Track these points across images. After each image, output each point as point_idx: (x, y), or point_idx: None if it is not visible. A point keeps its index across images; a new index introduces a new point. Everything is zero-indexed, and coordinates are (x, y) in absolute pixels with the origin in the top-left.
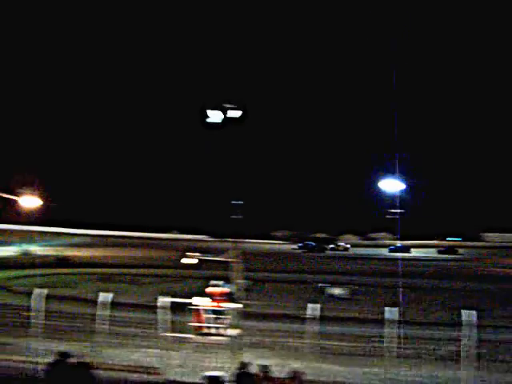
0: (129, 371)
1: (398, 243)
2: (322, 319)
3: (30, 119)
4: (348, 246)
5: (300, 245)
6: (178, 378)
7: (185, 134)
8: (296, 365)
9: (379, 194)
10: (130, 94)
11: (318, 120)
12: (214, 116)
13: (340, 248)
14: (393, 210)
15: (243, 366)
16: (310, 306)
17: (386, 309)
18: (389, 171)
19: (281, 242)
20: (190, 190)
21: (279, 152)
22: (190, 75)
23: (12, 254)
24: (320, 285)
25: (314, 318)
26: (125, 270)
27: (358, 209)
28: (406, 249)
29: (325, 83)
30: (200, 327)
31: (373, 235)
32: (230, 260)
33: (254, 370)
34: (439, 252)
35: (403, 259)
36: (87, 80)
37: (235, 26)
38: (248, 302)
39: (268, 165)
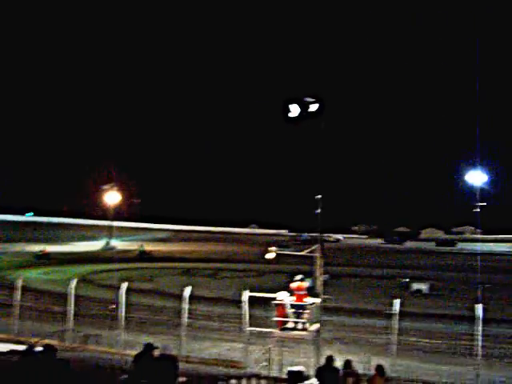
0: (212, 364)
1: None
2: (406, 315)
3: (114, 115)
4: (340, 237)
5: (387, 239)
6: (261, 372)
7: (266, 128)
8: (380, 361)
9: (463, 187)
10: (211, 90)
11: (401, 112)
12: (296, 110)
13: (331, 239)
14: (477, 204)
15: (326, 360)
16: (394, 301)
17: (477, 306)
18: (472, 164)
19: (361, 236)
20: (271, 185)
21: (361, 145)
22: (271, 68)
23: (97, 248)
24: (403, 280)
25: (397, 314)
26: (206, 265)
27: (441, 202)
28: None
29: (409, 75)
30: (282, 322)
31: (456, 229)
32: (310, 254)
33: (337, 365)
34: None
35: (482, 254)
36: (169, 76)
37: (316, 21)
38: (329, 296)
39: (349, 158)
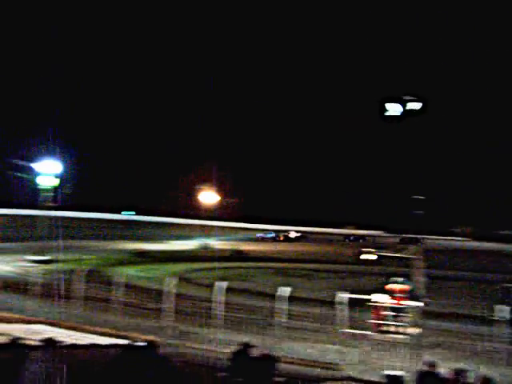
0: (307, 366)
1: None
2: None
3: (215, 115)
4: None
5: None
6: (357, 375)
7: (363, 127)
8: (487, 371)
9: None
10: (311, 89)
11: (503, 110)
12: (393, 109)
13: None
14: None
15: (429, 367)
16: (497, 307)
17: None
18: None
19: (461, 238)
20: (366, 185)
21: (462, 144)
22: (369, 67)
23: (192, 247)
24: (505, 285)
25: (501, 321)
26: (300, 265)
27: None
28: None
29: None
30: (379, 324)
31: None
32: (410, 256)
33: (441, 372)
34: None
35: None
36: (271, 73)
37: (412, 18)
38: (429, 300)
39: (449, 158)
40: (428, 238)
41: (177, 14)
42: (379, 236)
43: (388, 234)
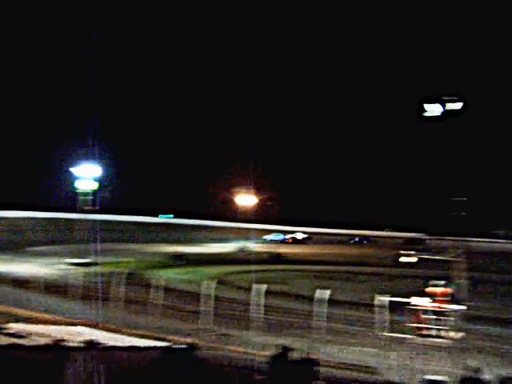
0: (346, 369)
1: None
2: None
3: (256, 118)
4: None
5: None
6: (397, 380)
7: (402, 128)
8: None
9: None
10: (346, 90)
11: None
12: (433, 109)
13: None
14: None
15: (473, 372)
16: None
17: None
18: None
19: (504, 240)
20: (407, 187)
21: (506, 144)
22: (408, 67)
23: (230, 250)
24: None
25: None
26: (340, 268)
27: None
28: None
29: None
30: (419, 328)
31: None
32: (451, 259)
33: (485, 378)
34: None
35: None
36: (313, 75)
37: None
38: (470, 303)
39: (492, 158)
40: (470, 241)
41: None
42: (422, 239)
43: (428, 237)
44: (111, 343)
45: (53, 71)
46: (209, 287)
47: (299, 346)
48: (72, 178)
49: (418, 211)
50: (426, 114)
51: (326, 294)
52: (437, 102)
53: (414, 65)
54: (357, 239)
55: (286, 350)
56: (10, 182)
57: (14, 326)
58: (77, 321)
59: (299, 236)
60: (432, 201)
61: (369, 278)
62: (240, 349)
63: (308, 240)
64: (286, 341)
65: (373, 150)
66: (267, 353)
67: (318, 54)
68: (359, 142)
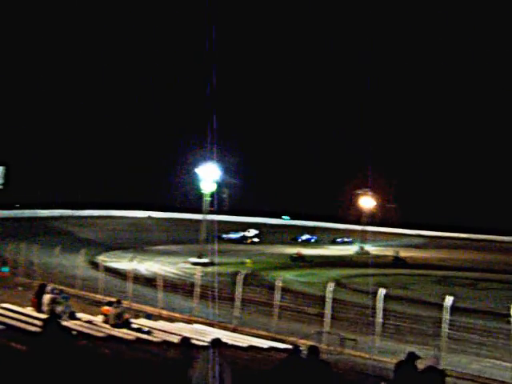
0: (474, 382)
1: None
2: None
3: (371, 120)
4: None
5: None
6: None
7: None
8: None
9: None
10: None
11: None
12: None
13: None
14: None
15: None
16: None
17: None
18: None
19: None
20: None
21: None
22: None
23: (350, 252)
24: None
25: None
26: (463, 274)
27: None
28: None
29: None
30: None
31: None
32: None
33: None
34: None
35: None
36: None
37: None
38: None
39: None
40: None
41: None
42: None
43: None
44: (230, 342)
45: (176, 74)
46: (328, 290)
47: (424, 354)
48: (195, 179)
49: None
50: None
51: (450, 300)
52: None
53: None
54: (339, 240)
55: (411, 357)
56: (135, 182)
57: (140, 322)
58: (195, 318)
59: (251, 233)
60: None
61: (494, 284)
62: (360, 353)
63: (258, 237)
64: (407, 347)
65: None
66: (390, 359)
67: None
68: (484, 142)
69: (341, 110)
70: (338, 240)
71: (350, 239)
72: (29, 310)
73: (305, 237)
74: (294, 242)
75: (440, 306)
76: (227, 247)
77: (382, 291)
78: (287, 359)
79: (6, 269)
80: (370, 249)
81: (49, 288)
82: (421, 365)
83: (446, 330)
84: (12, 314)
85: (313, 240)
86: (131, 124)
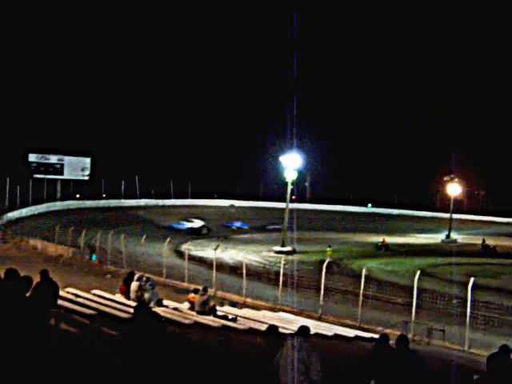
0: None
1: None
2: None
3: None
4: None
5: None
6: None
7: None
8: None
9: None
10: None
11: None
12: None
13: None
14: None
15: None
16: None
17: None
18: None
19: None
20: None
21: None
22: None
23: (436, 241)
24: None
25: None
26: None
27: None
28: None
29: None
30: None
31: None
32: None
33: None
34: None
35: None
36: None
37: None
38: None
39: None
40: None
41: None
42: None
43: None
44: (315, 331)
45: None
46: (413, 279)
47: None
48: (279, 168)
49: None
50: None
51: None
52: None
53: None
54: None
55: (505, 349)
56: (218, 171)
57: (225, 310)
58: (279, 306)
59: (197, 224)
60: None
61: None
62: (451, 345)
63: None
64: (499, 340)
65: None
66: (478, 351)
67: None
68: None
69: (426, 95)
70: (269, 227)
71: (279, 226)
72: (118, 297)
73: (238, 223)
74: (227, 228)
75: None
76: (312, 236)
77: (471, 280)
78: (376, 348)
79: (93, 257)
80: (458, 237)
81: (136, 276)
82: None
83: None
84: (103, 301)
85: (245, 227)
86: (216, 112)
